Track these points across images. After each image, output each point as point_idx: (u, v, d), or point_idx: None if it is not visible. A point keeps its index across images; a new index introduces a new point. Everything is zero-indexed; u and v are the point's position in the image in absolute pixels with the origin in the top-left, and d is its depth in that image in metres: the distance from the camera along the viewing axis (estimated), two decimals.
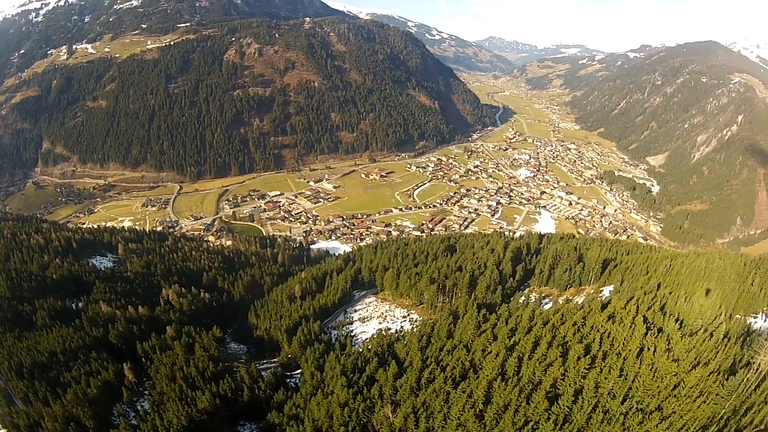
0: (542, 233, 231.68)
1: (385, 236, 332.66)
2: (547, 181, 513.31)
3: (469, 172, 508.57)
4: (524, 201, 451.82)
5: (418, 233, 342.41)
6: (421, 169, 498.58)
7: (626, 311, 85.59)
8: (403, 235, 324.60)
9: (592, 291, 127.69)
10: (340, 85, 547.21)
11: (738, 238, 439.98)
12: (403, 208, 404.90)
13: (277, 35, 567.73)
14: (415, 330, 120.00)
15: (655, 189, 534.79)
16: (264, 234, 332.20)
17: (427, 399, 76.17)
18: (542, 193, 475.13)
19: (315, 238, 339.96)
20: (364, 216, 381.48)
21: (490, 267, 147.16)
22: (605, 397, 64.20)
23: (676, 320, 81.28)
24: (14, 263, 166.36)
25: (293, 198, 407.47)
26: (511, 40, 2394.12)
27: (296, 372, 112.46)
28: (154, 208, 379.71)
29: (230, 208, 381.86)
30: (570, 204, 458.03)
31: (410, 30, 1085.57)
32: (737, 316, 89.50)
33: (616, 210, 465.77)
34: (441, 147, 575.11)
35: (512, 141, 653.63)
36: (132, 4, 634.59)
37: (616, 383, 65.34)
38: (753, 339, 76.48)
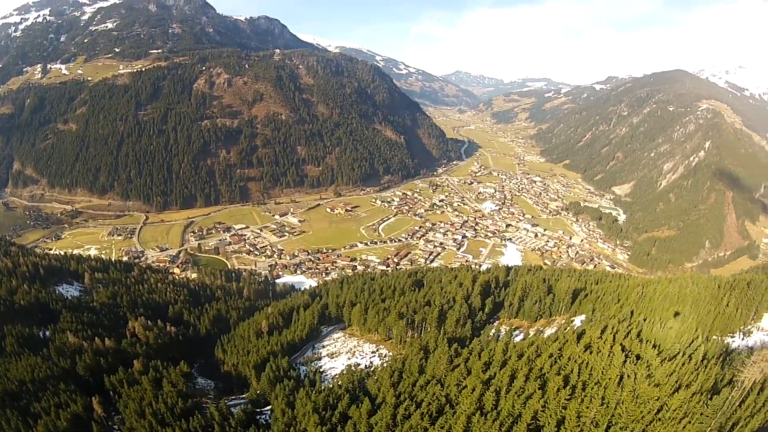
0: (509, 266, 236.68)
1: (350, 271, 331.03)
2: (513, 213, 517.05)
3: (435, 206, 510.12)
4: (490, 234, 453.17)
5: (384, 267, 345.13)
6: (386, 204, 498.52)
7: (602, 341, 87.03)
8: (369, 270, 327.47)
9: (563, 321, 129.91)
10: (307, 119, 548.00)
11: (707, 260, 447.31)
12: (369, 243, 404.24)
13: (246, 66, 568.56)
14: (385, 365, 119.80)
15: (622, 218, 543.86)
16: (229, 267, 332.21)
17: None
18: (508, 225, 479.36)
19: (280, 273, 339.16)
20: (330, 250, 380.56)
21: (459, 301, 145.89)
22: (588, 425, 65.31)
23: (654, 346, 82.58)
24: None
25: (258, 231, 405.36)
26: (478, 74, 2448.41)
27: (266, 408, 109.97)
28: (120, 237, 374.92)
29: (196, 240, 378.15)
30: (536, 236, 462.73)
31: (378, 64, 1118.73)
32: (714, 337, 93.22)
33: (582, 240, 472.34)
34: (406, 181, 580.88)
35: (477, 175, 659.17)
36: (107, 27, 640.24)
37: (598, 412, 66.09)
38: (733, 358, 79.51)
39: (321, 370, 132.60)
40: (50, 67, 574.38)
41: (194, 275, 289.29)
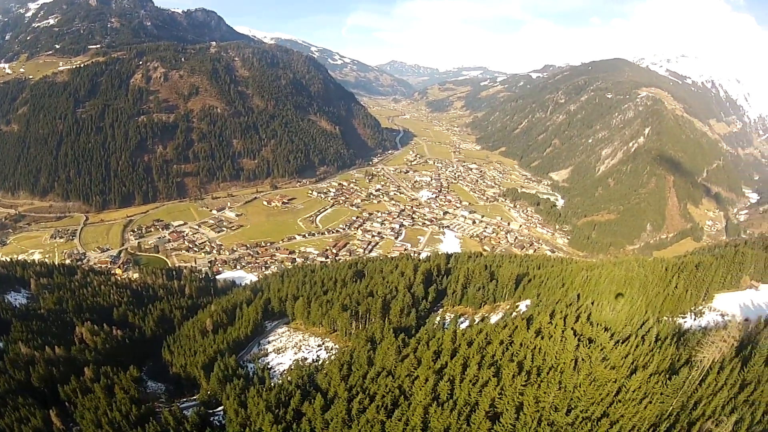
0: (449, 253, 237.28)
1: (290, 264, 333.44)
2: (450, 201, 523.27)
3: (371, 196, 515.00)
4: (427, 222, 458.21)
5: (323, 259, 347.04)
6: (322, 195, 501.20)
7: (553, 326, 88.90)
8: (308, 262, 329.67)
9: (508, 307, 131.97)
10: (242, 111, 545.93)
11: (649, 243, 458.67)
12: (307, 235, 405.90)
13: (183, 59, 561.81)
14: (333, 359, 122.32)
15: (560, 203, 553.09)
16: (170, 265, 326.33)
17: (362, 430, 77.33)
18: (445, 213, 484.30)
19: (220, 268, 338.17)
20: (268, 244, 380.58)
21: (402, 290, 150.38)
22: (548, 410, 65.91)
23: (605, 329, 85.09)
24: None
25: (197, 227, 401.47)
26: (413, 63, 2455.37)
27: (219, 409, 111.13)
28: (62, 240, 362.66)
29: (135, 239, 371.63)
30: (474, 222, 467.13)
31: (313, 55, 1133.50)
32: (665, 318, 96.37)
33: (520, 225, 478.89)
34: (342, 172, 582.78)
35: (413, 163, 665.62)
36: (48, 23, 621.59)
37: (556, 396, 67.17)
38: (687, 338, 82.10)
39: (269, 366, 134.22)
40: None
41: (136, 275, 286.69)
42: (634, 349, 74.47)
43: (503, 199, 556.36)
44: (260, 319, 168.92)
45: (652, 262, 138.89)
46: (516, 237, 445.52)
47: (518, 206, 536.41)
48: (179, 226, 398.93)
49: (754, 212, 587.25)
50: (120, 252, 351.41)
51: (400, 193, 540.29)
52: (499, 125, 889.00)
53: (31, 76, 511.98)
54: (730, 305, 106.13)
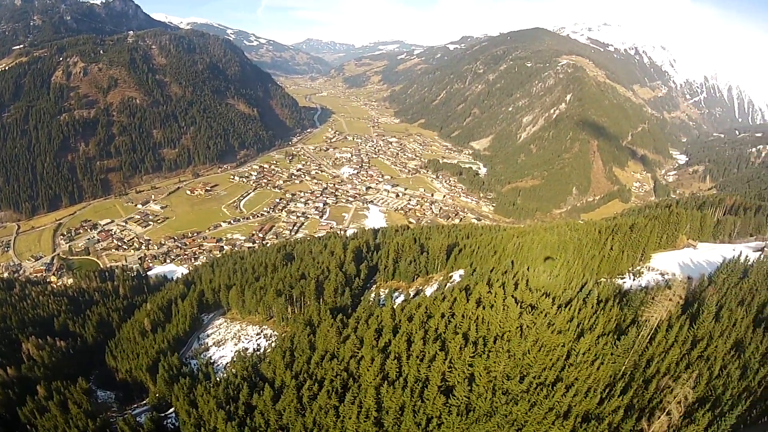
0: (376, 228, 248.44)
1: (218, 252, 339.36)
2: (372, 176, 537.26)
3: (293, 177, 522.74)
4: (351, 198, 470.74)
5: (251, 245, 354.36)
6: (244, 179, 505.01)
7: (493, 295, 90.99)
8: (236, 249, 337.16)
9: (442, 278, 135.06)
10: (161, 100, 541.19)
11: (576, 206, 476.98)
12: (232, 221, 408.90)
13: (101, 52, 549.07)
14: (274, 346, 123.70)
15: (483, 171, 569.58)
16: (101, 266, 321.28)
17: (316, 418, 78.08)
18: (368, 188, 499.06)
19: (151, 264, 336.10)
20: (195, 234, 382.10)
21: (334, 270, 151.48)
22: (500, 379, 67.87)
23: (545, 294, 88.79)
24: None
25: (124, 224, 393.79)
26: (329, 41, 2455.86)
27: (170, 411, 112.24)
28: None
29: (66, 243, 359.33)
30: (397, 196, 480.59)
31: (229, 37, 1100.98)
32: (602, 280, 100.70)
33: (444, 196, 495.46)
34: (262, 154, 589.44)
35: (333, 141, 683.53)
36: None
37: (507, 365, 69.45)
38: (630, 298, 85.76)
39: (212, 361, 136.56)
40: None
41: (71, 281, 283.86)
42: (578, 313, 78.97)
43: (425, 171, 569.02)
44: (196, 312, 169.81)
45: (584, 225, 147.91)
46: (441, 207, 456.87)
47: (441, 177, 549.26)
48: (107, 224, 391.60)
49: (683, 173, 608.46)
50: (53, 258, 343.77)
51: (322, 171, 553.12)
52: (417, 98, 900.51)
53: None
54: (669, 264, 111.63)
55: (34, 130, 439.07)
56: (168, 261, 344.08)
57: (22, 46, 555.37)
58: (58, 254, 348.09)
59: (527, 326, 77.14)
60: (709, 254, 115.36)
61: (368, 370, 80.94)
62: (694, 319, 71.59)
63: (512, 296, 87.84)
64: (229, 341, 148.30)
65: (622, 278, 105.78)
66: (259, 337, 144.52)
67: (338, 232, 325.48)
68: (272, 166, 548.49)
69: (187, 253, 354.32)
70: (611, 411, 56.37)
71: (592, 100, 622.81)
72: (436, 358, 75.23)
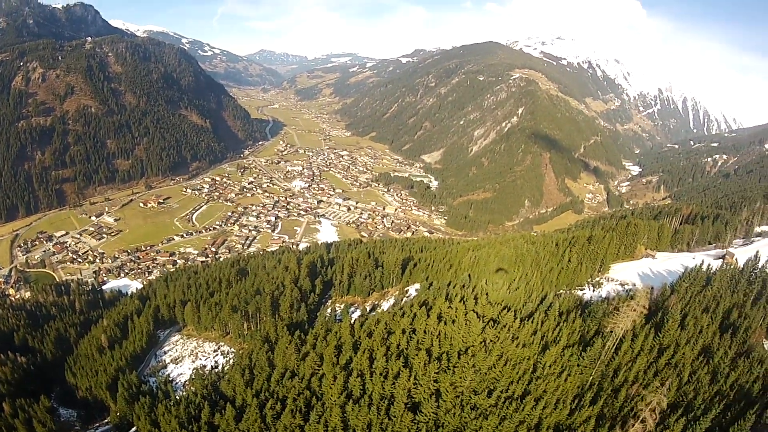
0: (329, 242, 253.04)
1: (171, 266, 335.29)
2: (323, 189, 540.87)
3: (245, 190, 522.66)
4: (302, 212, 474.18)
5: (204, 259, 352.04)
6: (197, 192, 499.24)
7: (454, 309, 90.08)
8: (189, 263, 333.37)
9: (397, 293, 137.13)
10: (115, 109, 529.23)
11: (528, 218, 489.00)
12: (185, 234, 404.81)
13: (60, 58, 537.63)
14: (233, 363, 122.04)
15: (434, 184, 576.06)
16: (57, 279, 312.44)
17: None
18: (319, 202, 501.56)
19: (105, 278, 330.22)
20: (148, 247, 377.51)
21: (289, 285, 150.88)
22: (467, 394, 67.11)
23: (506, 308, 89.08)
24: None
25: (78, 236, 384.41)
26: (282, 52, 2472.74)
27: (132, 431, 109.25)
28: None
29: (23, 255, 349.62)
30: (349, 209, 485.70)
31: (184, 47, 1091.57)
32: (561, 292, 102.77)
33: (396, 209, 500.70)
34: (214, 166, 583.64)
35: (284, 153, 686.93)
36: None
37: (473, 380, 68.65)
38: (592, 309, 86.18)
39: (170, 378, 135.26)
40: None
41: (28, 294, 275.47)
42: (541, 325, 79.73)
43: (376, 184, 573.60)
44: (153, 329, 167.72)
45: (541, 238, 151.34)
46: (393, 221, 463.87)
47: (392, 190, 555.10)
48: (62, 236, 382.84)
49: (636, 183, 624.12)
50: (11, 270, 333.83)
51: (273, 184, 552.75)
52: (369, 111, 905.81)
53: None
54: (629, 274, 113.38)
55: None
56: (122, 275, 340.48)
57: None
58: (16, 266, 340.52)
59: (491, 340, 77.71)
60: (668, 263, 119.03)
61: (331, 387, 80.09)
62: (659, 328, 73.34)
63: (473, 310, 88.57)
64: (187, 358, 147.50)
65: (581, 290, 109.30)
66: (217, 354, 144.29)
67: (291, 247, 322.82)
68: (224, 179, 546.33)
69: (141, 266, 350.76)
70: (582, 421, 58.86)
71: (544, 114, 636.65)
72: (401, 374, 74.92)
